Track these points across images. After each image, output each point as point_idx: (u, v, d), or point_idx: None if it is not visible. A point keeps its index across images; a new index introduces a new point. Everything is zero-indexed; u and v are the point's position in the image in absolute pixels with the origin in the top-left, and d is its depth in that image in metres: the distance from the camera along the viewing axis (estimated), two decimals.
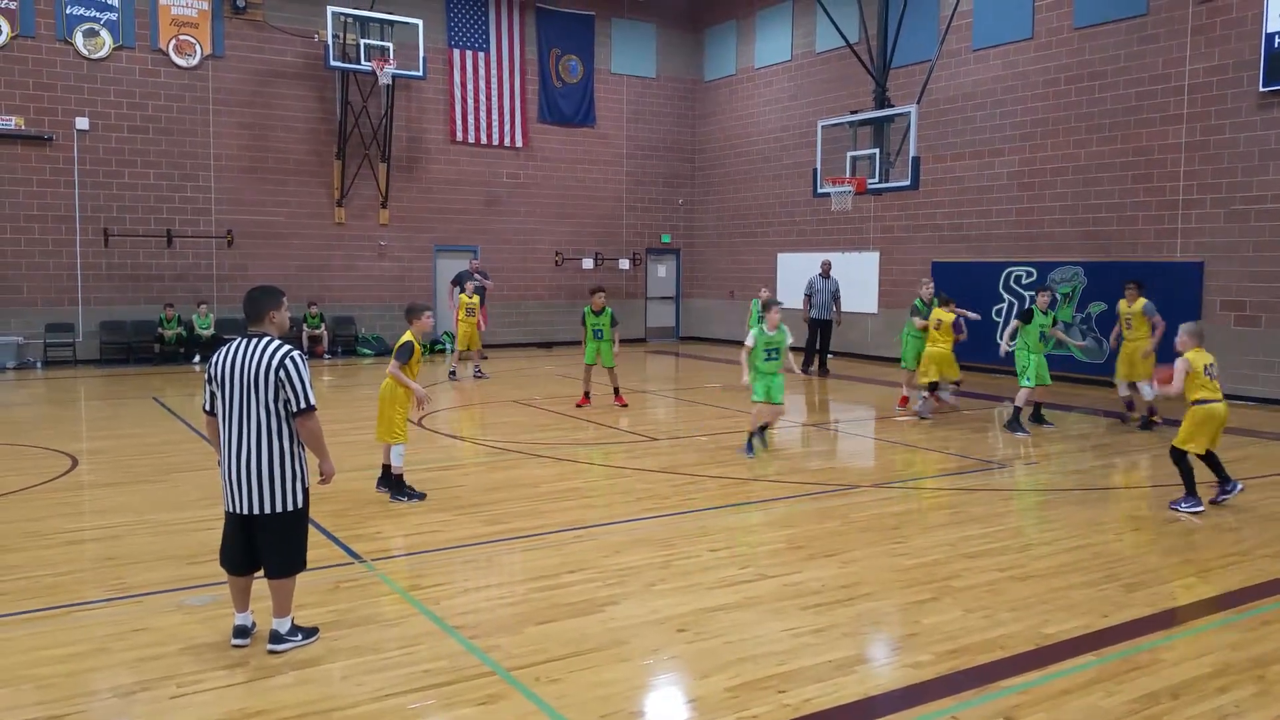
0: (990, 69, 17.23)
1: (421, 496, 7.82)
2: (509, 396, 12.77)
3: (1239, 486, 7.84)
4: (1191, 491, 7.62)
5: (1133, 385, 11.68)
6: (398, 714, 4.07)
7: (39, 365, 17.55)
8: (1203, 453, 7.67)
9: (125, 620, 5.12)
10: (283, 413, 4.65)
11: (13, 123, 17.19)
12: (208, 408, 4.78)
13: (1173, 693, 4.31)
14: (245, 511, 4.65)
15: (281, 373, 4.59)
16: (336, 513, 7.28)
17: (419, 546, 6.60)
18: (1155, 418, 11.53)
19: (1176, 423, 7.92)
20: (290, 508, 4.68)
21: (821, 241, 20.80)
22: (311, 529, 5.03)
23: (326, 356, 19.48)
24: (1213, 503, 7.78)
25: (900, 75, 17.54)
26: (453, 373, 16.44)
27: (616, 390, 12.86)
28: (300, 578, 4.85)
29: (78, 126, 17.70)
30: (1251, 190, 13.69)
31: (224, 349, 4.71)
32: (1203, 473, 7.69)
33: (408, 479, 7.92)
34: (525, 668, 4.52)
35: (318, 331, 19.46)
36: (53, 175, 17.62)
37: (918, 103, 15.08)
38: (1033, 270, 16.46)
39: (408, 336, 7.80)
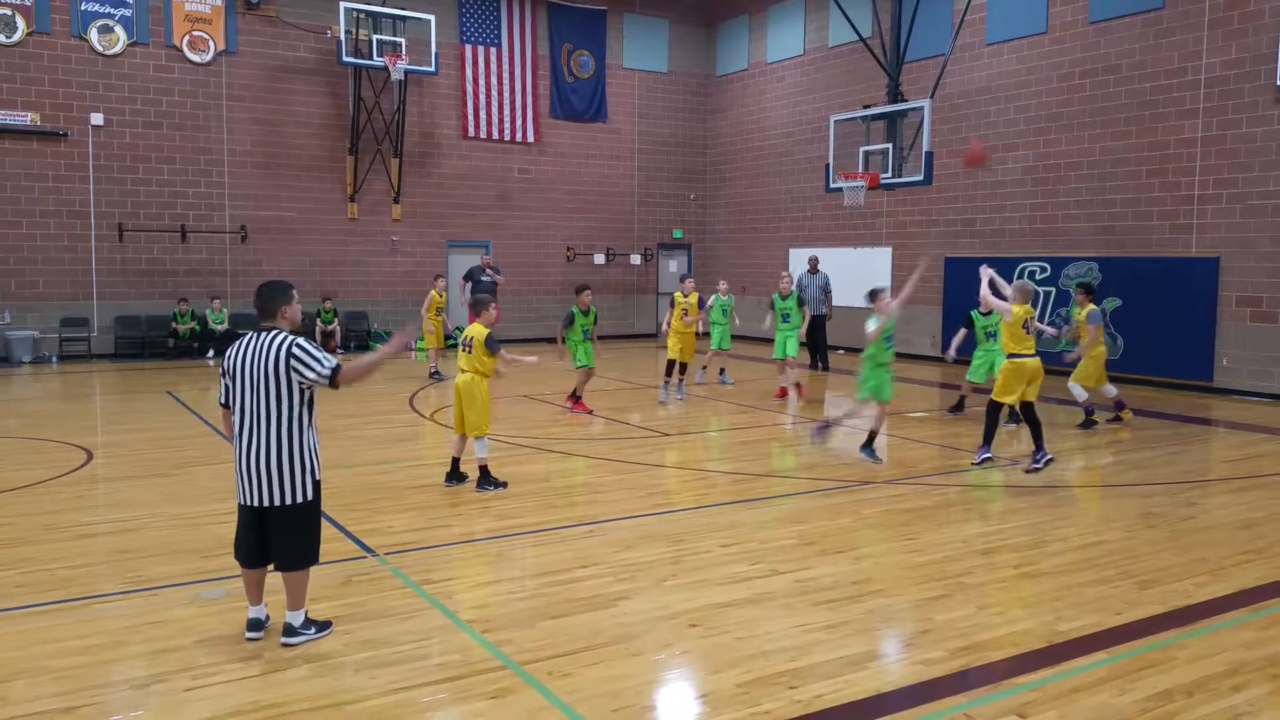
0: (1004, 63, 17.13)
1: (504, 485, 8.01)
2: (520, 391, 12.78)
3: (1049, 458, 8.57)
4: (987, 442, 8.74)
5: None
6: (410, 707, 4.09)
7: (54, 359, 17.68)
8: (1015, 405, 8.60)
9: (140, 613, 5.16)
10: (295, 405, 4.68)
11: (28, 118, 17.31)
12: (223, 401, 4.83)
13: (1186, 691, 4.29)
14: (257, 504, 4.69)
15: (293, 360, 4.62)
16: (348, 506, 7.32)
17: (430, 540, 6.63)
18: (1094, 416, 11.30)
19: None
20: (301, 500, 4.71)
21: (834, 237, 20.75)
22: (324, 523, 5.06)
23: (340, 351, 19.56)
24: (1025, 472, 8.42)
25: (913, 69, 17.48)
26: (435, 371, 15.98)
27: (575, 392, 12.19)
28: (313, 571, 4.87)
29: (92, 122, 17.81)
30: (1268, 185, 13.57)
31: (238, 343, 4.76)
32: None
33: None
34: (537, 662, 4.54)
35: (331, 326, 19.53)
36: (68, 171, 17.73)
37: (931, 97, 15.03)
38: (1047, 266, 16.37)
39: (485, 330, 7.92)
